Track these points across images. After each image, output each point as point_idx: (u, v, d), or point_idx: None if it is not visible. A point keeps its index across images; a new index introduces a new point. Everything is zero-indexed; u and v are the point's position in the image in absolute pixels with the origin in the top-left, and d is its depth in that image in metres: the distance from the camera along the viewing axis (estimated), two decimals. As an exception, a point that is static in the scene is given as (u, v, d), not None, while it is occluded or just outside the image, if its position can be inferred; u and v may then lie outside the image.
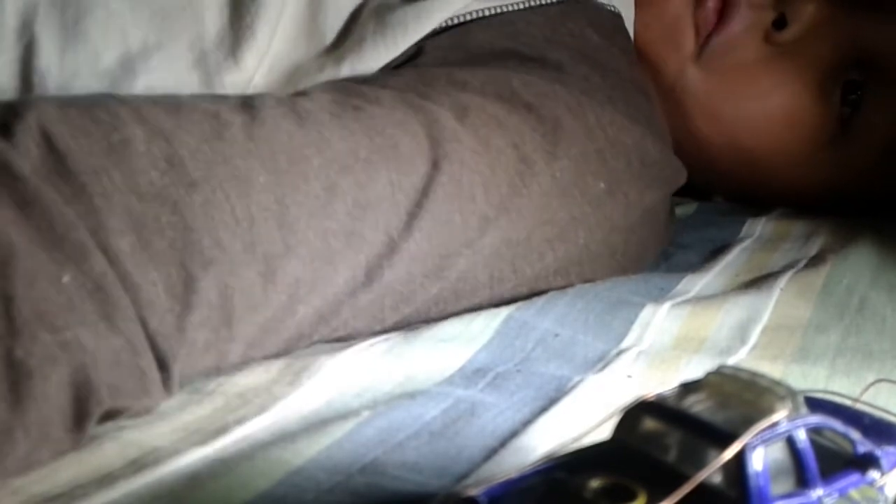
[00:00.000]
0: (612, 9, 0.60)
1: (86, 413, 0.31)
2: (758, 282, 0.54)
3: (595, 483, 0.21)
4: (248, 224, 0.36)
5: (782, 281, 0.52)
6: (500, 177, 0.46)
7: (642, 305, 0.47)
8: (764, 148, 0.68)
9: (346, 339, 0.42)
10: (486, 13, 0.55)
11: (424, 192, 0.42)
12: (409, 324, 0.44)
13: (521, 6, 0.56)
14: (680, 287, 0.53)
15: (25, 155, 0.32)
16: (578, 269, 0.51)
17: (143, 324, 0.33)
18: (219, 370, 0.37)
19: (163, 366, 0.34)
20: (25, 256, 0.30)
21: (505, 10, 0.55)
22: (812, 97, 0.65)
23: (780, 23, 0.65)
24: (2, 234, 0.30)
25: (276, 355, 0.40)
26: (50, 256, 0.31)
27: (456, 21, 0.54)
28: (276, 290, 0.37)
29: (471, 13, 0.54)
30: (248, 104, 0.40)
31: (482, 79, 0.49)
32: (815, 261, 0.58)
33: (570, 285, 0.50)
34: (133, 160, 0.34)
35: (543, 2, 0.56)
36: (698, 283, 0.54)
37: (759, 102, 0.66)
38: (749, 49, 0.65)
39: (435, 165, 0.43)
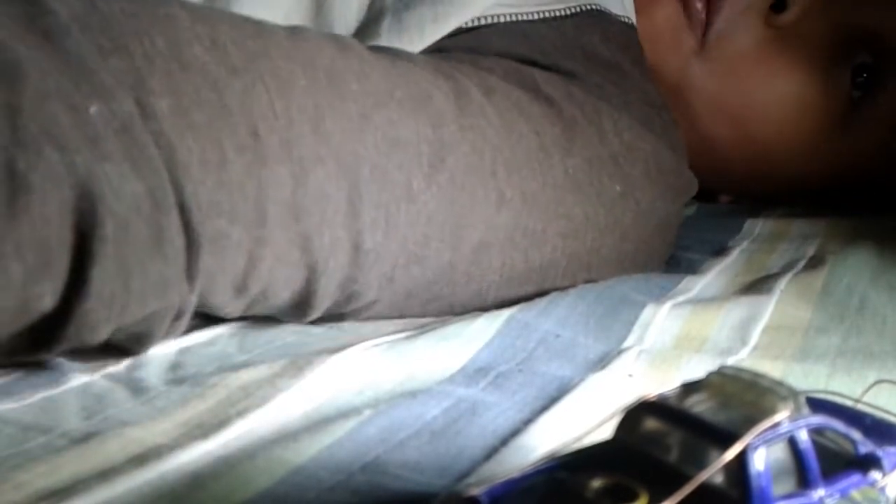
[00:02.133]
0: (627, 20, 0.60)
1: (88, 250, 0.29)
2: (758, 282, 0.54)
3: (596, 483, 0.21)
4: (286, 122, 0.36)
5: (783, 282, 0.52)
6: (520, 160, 0.46)
7: (643, 305, 0.47)
8: (773, 137, 0.67)
9: (354, 296, 0.42)
10: (502, 20, 0.55)
11: (449, 149, 0.42)
12: (416, 305, 0.44)
13: (536, 16, 0.56)
14: (680, 287, 0.53)
15: (64, 3, 0.31)
16: (586, 274, 0.51)
17: (176, 186, 0.31)
18: (245, 285, 0.36)
19: (192, 237, 0.32)
20: (40, 77, 0.29)
21: (520, 18, 0.55)
22: (819, 80, 0.65)
23: (778, 5, 0.65)
24: (14, 53, 0.29)
25: (294, 288, 0.39)
26: (74, 85, 0.29)
27: (471, 24, 0.54)
28: (306, 196, 0.36)
29: (487, 17, 0.54)
30: (291, 27, 0.40)
31: (506, 68, 0.49)
32: (814, 261, 0.58)
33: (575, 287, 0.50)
34: (178, 32, 0.33)
35: (558, 14, 0.56)
36: (698, 283, 0.54)
37: (765, 89, 0.66)
38: (750, 34, 0.65)
39: (461, 129, 0.43)
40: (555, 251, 0.48)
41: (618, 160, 0.51)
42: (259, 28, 0.38)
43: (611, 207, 0.51)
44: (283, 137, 0.36)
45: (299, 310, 0.42)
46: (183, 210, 0.32)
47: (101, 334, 0.31)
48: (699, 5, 0.66)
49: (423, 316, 0.47)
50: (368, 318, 0.45)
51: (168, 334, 0.36)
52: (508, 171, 0.45)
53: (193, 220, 0.32)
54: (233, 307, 0.39)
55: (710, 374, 0.24)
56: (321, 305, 0.42)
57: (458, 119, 0.43)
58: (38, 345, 0.31)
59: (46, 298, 0.29)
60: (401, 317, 0.46)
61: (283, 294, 0.40)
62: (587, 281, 0.51)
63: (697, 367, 0.40)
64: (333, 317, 0.44)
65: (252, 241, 0.35)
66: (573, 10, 0.56)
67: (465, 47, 0.52)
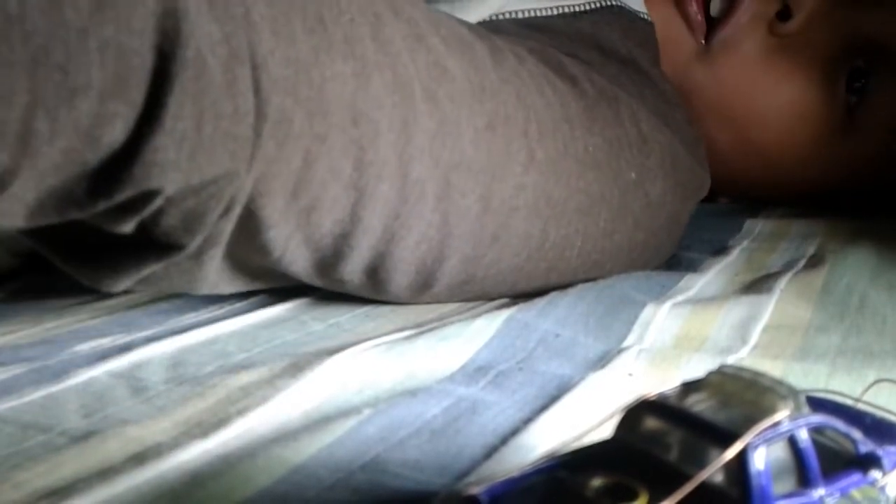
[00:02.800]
0: (646, 17, 0.59)
1: (167, 75, 0.28)
2: (758, 281, 0.54)
3: (596, 482, 0.21)
4: (349, 18, 0.35)
5: (782, 281, 0.53)
6: (549, 126, 0.46)
7: (643, 305, 0.47)
8: (773, 143, 0.68)
9: (394, 239, 0.41)
10: (519, 15, 0.55)
11: (489, 95, 0.42)
12: (444, 271, 0.44)
13: (554, 11, 0.55)
14: (680, 286, 0.53)
15: None
16: (599, 257, 0.51)
17: (252, 47, 0.30)
18: (296, 191, 0.35)
19: (260, 103, 0.31)
20: None
21: (537, 13, 0.55)
22: (818, 87, 0.65)
23: (783, 14, 0.65)
24: None
25: (338, 215, 0.38)
26: None
27: (486, 18, 0.54)
28: (366, 100, 0.36)
29: (503, 14, 0.54)
30: None
31: (528, 47, 0.49)
32: (814, 260, 0.58)
33: (591, 274, 0.50)
34: None
35: (577, 9, 0.56)
36: (698, 282, 0.54)
37: (766, 96, 0.66)
38: (754, 42, 0.65)
39: (500, 81, 0.43)
40: (569, 226, 0.48)
41: (633, 148, 0.51)
42: None
43: (625, 192, 0.50)
44: (347, 33, 0.35)
45: (338, 248, 0.40)
46: (255, 72, 0.31)
47: (166, 183, 0.30)
48: (694, 7, 0.66)
49: (444, 285, 0.46)
50: (397, 292, 0.45)
51: (214, 235, 0.35)
52: (540, 132, 0.45)
53: (264, 87, 0.31)
54: (280, 229, 0.37)
55: (710, 374, 0.24)
56: (360, 244, 0.40)
57: (496, 70, 0.43)
58: (98, 191, 0.29)
59: (118, 124, 0.28)
60: (425, 289, 0.46)
61: (326, 221, 0.38)
62: (598, 268, 0.51)
63: (697, 367, 0.40)
64: (363, 287, 0.43)
65: (311, 136, 0.34)
66: (592, 6, 0.56)
67: None
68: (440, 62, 0.40)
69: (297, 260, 0.40)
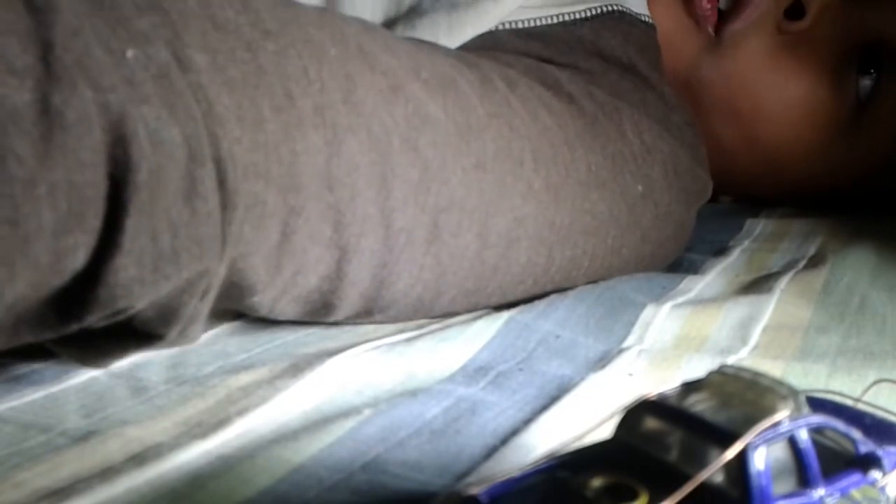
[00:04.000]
0: (647, 20, 0.59)
1: (121, 199, 0.27)
2: (758, 282, 0.54)
3: (596, 482, 0.21)
4: (319, 86, 0.35)
5: (783, 281, 0.53)
6: (546, 151, 0.45)
7: (643, 306, 0.47)
8: (779, 140, 0.67)
9: (384, 284, 0.41)
10: (519, 25, 0.54)
11: (476, 134, 0.42)
12: (444, 301, 0.44)
13: (554, 20, 0.55)
14: (681, 287, 0.53)
15: None
16: (606, 274, 0.51)
17: (213, 141, 0.30)
18: (279, 263, 0.35)
19: (227, 198, 0.31)
20: (74, 16, 0.27)
21: (537, 23, 0.55)
22: (827, 85, 0.65)
23: (792, 11, 0.65)
24: None
25: (323, 272, 0.38)
26: (110, 29, 0.28)
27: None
28: (339, 166, 0.36)
29: (504, 24, 0.54)
30: (318, 7, 0.39)
31: (526, 64, 0.49)
32: (814, 260, 0.58)
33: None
34: None
35: (577, 16, 0.56)
36: (699, 283, 0.54)
37: (774, 93, 0.66)
38: (762, 38, 0.65)
39: (488, 116, 0.42)
40: (575, 248, 0.48)
41: (638, 160, 0.51)
42: (288, 1, 0.37)
43: (632, 206, 0.50)
44: (317, 102, 0.35)
45: (327, 301, 0.40)
46: (219, 166, 0.31)
47: (133, 300, 0.30)
48: (704, 3, 0.65)
49: (448, 313, 0.46)
50: (395, 319, 0.44)
51: (193, 317, 0.34)
52: (535, 160, 0.45)
53: (230, 179, 0.31)
54: (266, 294, 0.37)
55: (711, 374, 0.24)
56: (350, 295, 0.40)
57: (484, 105, 0.43)
58: (68, 314, 0.29)
59: (79, 252, 0.27)
60: (426, 316, 0.46)
61: (312, 279, 0.38)
62: (603, 279, 0.51)
63: (698, 367, 0.40)
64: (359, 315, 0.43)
65: (286, 211, 0.34)
66: (593, 12, 0.56)
67: (480, 47, 0.52)
68: (420, 110, 0.39)
69: (287, 312, 0.41)
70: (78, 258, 0.27)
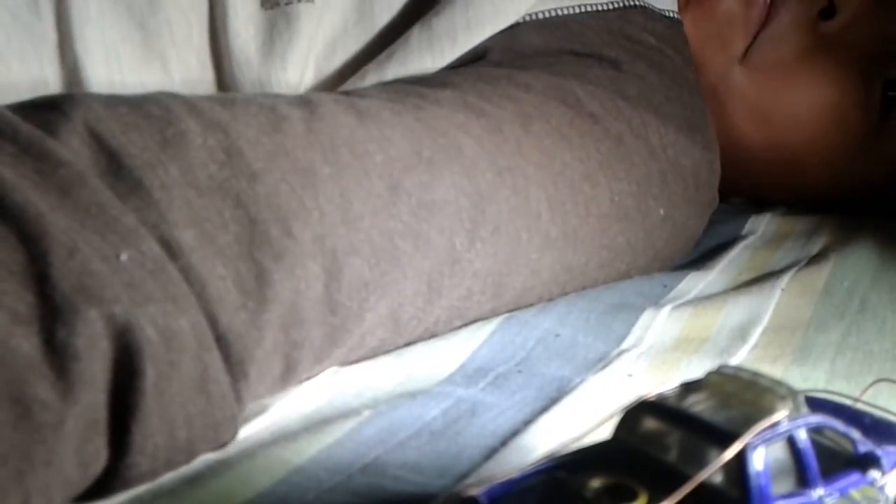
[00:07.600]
0: (672, 15, 0.59)
1: (128, 405, 0.28)
2: (759, 281, 0.54)
3: (596, 483, 0.21)
4: (318, 215, 0.34)
5: (783, 281, 0.52)
6: (564, 194, 0.44)
7: (643, 308, 0.47)
8: (804, 145, 0.67)
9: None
10: (541, 16, 0.53)
11: (489, 199, 0.41)
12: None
13: (577, 10, 0.54)
14: (682, 285, 0.53)
15: (73, 151, 0.30)
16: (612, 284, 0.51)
17: (212, 321, 0.30)
18: (283, 384, 0.35)
19: (235, 370, 0.31)
20: (64, 235, 0.28)
21: (560, 13, 0.54)
22: (854, 92, 0.65)
23: (826, 12, 0.64)
24: (35, 209, 0.28)
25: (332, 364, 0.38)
26: (101, 237, 0.29)
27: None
28: (340, 291, 0.35)
29: (526, 16, 0.53)
30: (304, 99, 0.38)
31: (545, 83, 0.47)
32: (816, 260, 0.58)
33: None
34: (190, 153, 0.32)
35: (600, 7, 0.55)
36: (701, 281, 0.54)
37: (802, 97, 0.65)
38: (794, 41, 0.65)
39: (499, 174, 0.41)
40: (587, 280, 0.48)
41: (665, 177, 0.50)
42: (273, 116, 0.36)
43: (650, 231, 0.50)
44: (317, 232, 0.34)
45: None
46: (225, 345, 0.31)
47: (153, 480, 0.30)
48: (761, 11, 0.65)
49: None
50: None
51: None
52: (552, 209, 0.44)
53: (234, 353, 0.31)
54: (273, 393, 0.37)
55: (710, 374, 0.24)
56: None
57: (495, 163, 0.42)
58: (92, 496, 0.30)
59: (101, 460, 0.28)
60: None
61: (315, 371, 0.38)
62: None
63: (697, 367, 0.40)
64: None
65: (289, 345, 0.34)
66: (617, 5, 0.55)
67: (501, 47, 0.51)
68: (424, 198, 0.38)
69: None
70: (100, 463, 0.28)
